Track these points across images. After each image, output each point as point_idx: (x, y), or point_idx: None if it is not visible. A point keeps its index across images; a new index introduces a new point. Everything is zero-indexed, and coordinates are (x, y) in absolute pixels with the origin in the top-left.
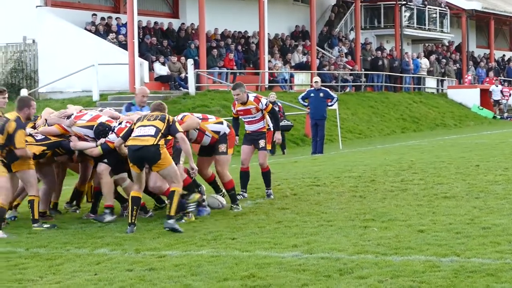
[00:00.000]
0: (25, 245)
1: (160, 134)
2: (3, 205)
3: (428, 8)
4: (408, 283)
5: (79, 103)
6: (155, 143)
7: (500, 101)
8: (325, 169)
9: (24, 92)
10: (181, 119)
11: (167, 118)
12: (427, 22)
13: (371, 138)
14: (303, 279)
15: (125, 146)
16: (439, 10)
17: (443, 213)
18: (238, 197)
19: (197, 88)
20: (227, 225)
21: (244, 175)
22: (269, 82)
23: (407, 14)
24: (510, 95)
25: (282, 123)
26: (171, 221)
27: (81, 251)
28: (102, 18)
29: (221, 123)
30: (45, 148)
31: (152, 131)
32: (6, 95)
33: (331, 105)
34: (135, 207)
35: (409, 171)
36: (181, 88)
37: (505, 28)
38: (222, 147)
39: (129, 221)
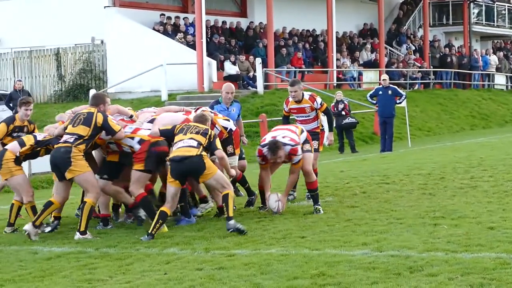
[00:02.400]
0: (95, 245)
1: (201, 147)
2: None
3: (496, 4)
4: (478, 280)
5: (147, 103)
6: (198, 153)
7: None
8: (394, 166)
9: (93, 93)
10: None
11: (209, 133)
12: (495, 19)
13: (440, 136)
14: (373, 277)
15: (167, 160)
16: (508, 6)
17: None
18: (290, 197)
19: (265, 87)
20: (296, 224)
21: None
22: (337, 81)
23: (476, 10)
24: None
25: (346, 120)
26: (232, 222)
27: (151, 250)
28: (170, 18)
29: (228, 120)
30: (35, 145)
31: (194, 143)
32: (31, 107)
33: (400, 103)
34: (160, 221)
35: (478, 168)
36: (249, 87)
37: None
38: (230, 149)
39: (150, 231)
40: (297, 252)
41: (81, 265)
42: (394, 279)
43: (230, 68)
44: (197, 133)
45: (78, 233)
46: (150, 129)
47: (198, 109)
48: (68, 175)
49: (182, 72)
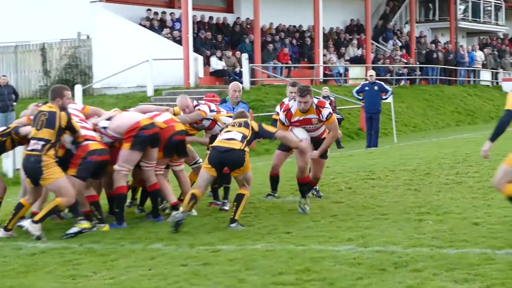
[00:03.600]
0: (79, 241)
1: (245, 141)
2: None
3: (483, 1)
4: (463, 275)
5: (133, 99)
6: (241, 148)
7: None
8: (379, 162)
9: (78, 88)
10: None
11: (251, 124)
12: (482, 15)
13: (426, 131)
14: (357, 273)
15: (210, 147)
16: (494, 2)
17: (498, 206)
18: (269, 197)
19: (252, 83)
20: (281, 219)
21: (276, 178)
22: (323, 76)
23: (462, 7)
24: None
25: None
26: (233, 225)
27: (135, 246)
28: (156, 13)
29: (231, 117)
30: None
31: (239, 136)
32: None
33: (386, 99)
34: (192, 201)
35: (464, 164)
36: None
37: None
38: None
39: (183, 210)
40: (282, 247)
41: (65, 260)
42: (379, 275)
43: (216, 64)
44: (239, 126)
45: (29, 221)
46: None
47: (167, 110)
48: (42, 183)
49: (168, 68)
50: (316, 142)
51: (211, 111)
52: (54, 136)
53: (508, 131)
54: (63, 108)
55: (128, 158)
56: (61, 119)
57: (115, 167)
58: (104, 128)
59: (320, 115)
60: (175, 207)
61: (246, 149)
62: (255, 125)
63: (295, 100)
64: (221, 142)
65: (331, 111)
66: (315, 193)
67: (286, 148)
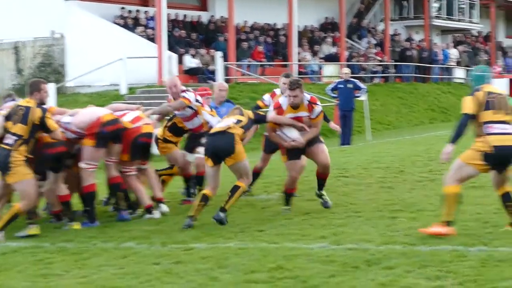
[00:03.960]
0: (51, 240)
1: (239, 126)
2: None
3: None
4: (435, 273)
5: (107, 97)
6: (231, 131)
7: None
8: (353, 160)
9: (52, 87)
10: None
11: (246, 112)
12: (456, 13)
13: (400, 129)
14: (330, 270)
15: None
16: (468, 0)
17: (471, 203)
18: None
19: (226, 81)
20: (254, 217)
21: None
22: (298, 74)
23: (436, 5)
24: None
25: None
26: (222, 214)
27: (108, 245)
28: (130, 12)
29: (214, 116)
30: None
31: (232, 121)
32: None
33: (359, 96)
34: (202, 203)
35: (437, 162)
36: (209, 80)
37: None
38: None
39: (191, 214)
40: (255, 245)
41: (37, 260)
42: (352, 272)
43: (190, 62)
44: (234, 114)
45: None
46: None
47: (138, 108)
48: (6, 179)
49: (142, 66)
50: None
51: (196, 100)
52: (27, 133)
53: None
54: (41, 103)
55: (93, 155)
56: (34, 115)
57: (81, 165)
58: (67, 123)
59: (312, 112)
60: (148, 210)
61: (237, 135)
62: (250, 113)
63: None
64: (214, 129)
65: (322, 109)
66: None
67: (271, 150)
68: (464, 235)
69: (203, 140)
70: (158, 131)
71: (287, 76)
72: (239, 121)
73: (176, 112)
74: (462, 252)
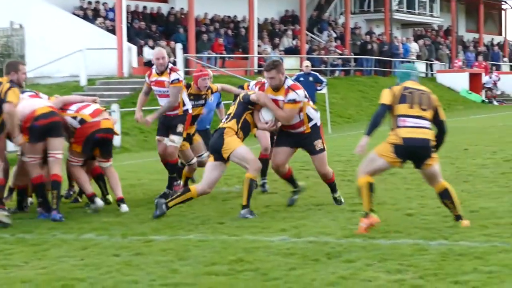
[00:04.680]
0: (11, 231)
1: (229, 118)
2: None
3: None
4: (395, 266)
5: (66, 88)
6: (223, 125)
7: (491, 87)
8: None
9: None
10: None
11: (238, 99)
12: (416, 7)
13: (360, 122)
14: (291, 263)
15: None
16: None
17: (431, 197)
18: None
19: (186, 73)
20: (215, 210)
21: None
22: (258, 67)
23: None
24: (498, 79)
25: None
26: (244, 211)
27: (68, 236)
28: (90, 3)
29: (192, 101)
30: None
31: (224, 118)
32: None
33: (320, 89)
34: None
35: None
36: None
37: (494, 12)
38: (180, 128)
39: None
40: (215, 238)
41: None
42: (312, 265)
43: (149, 54)
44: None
45: None
46: None
47: (94, 101)
48: None
49: (102, 57)
50: (296, 136)
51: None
52: None
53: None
54: (19, 84)
55: (32, 148)
56: (2, 89)
57: (24, 158)
58: None
59: (286, 96)
60: (90, 198)
61: (228, 128)
62: (240, 96)
63: None
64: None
65: (298, 99)
66: (261, 188)
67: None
68: (424, 229)
69: (179, 128)
70: (117, 127)
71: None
72: (228, 115)
73: (155, 88)
74: (422, 246)
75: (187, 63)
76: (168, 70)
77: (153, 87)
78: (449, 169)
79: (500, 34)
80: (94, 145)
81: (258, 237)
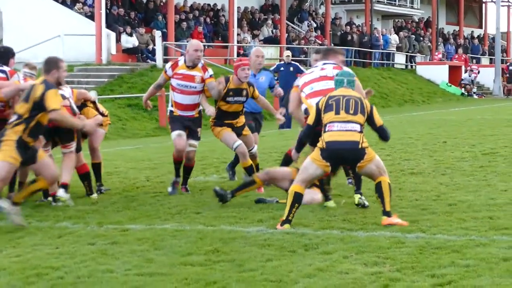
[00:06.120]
0: None
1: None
2: None
3: None
4: (373, 258)
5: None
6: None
7: (468, 83)
8: (292, 143)
9: None
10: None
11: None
12: None
13: None
14: (267, 254)
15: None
16: None
17: (409, 189)
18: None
19: (165, 61)
20: (192, 199)
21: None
22: (237, 56)
23: None
24: (478, 72)
25: None
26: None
27: (43, 224)
28: None
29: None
30: None
31: None
32: None
33: None
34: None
35: (376, 147)
36: (148, 60)
37: (475, 5)
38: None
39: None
40: (192, 228)
41: None
42: (289, 257)
43: (127, 41)
44: None
45: None
46: None
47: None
48: None
49: (80, 44)
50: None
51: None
52: (26, 111)
53: (420, 114)
54: (58, 83)
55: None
56: (36, 92)
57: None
58: None
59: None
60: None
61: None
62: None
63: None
64: None
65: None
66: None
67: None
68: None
69: (199, 133)
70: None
71: (317, 52)
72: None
73: (179, 82)
74: (399, 239)
75: (166, 50)
76: (200, 65)
77: (177, 81)
78: (427, 162)
79: (480, 27)
80: (50, 133)
81: (235, 227)
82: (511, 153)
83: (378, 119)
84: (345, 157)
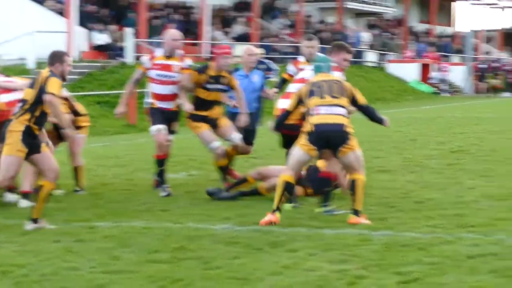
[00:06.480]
0: None
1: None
2: None
3: None
4: (339, 256)
5: (14, 71)
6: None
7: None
8: (262, 141)
9: None
10: None
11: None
12: None
13: None
14: (234, 252)
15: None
16: None
17: (378, 187)
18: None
19: (136, 58)
20: (159, 197)
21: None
22: (209, 54)
23: None
24: (448, 70)
25: None
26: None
27: (9, 221)
28: None
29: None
30: None
31: None
32: None
33: (270, 77)
34: None
35: None
36: (119, 57)
37: (446, 4)
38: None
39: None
40: (159, 225)
41: None
42: (255, 254)
43: (99, 39)
44: None
45: None
46: None
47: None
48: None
49: (51, 41)
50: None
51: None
52: (33, 97)
53: (391, 112)
54: (62, 77)
55: None
56: (42, 76)
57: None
58: None
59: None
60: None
61: None
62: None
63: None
64: None
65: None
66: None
67: None
68: (369, 219)
69: (176, 127)
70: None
71: (309, 39)
72: None
73: (158, 73)
74: (366, 236)
75: (137, 48)
76: (179, 55)
77: (156, 71)
78: (396, 160)
79: (451, 25)
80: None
81: (202, 225)
82: (480, 151)
83: (362, 98)
84: (331, 140)
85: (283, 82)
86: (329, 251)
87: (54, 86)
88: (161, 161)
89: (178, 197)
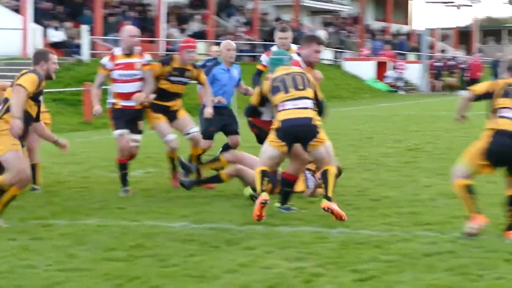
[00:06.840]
0: None
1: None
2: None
3: None
4: (295, 254)
5: None
6: None
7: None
8: (222, 139)
9: None
10: None
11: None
12: None
13: None
14: (190, 249)
15: None
16: None
17: (334, 185)
18: None
19: (92, 55)
20: (115, 194)
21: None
22: (166, 51)
23: None
24: (404, 69)
25: None
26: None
27: None
28: None
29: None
30: None
31: None
32: None
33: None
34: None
35: None
36: (75, 54)
37: (402, 2)
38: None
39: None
40: (115, 223)
41: None
42: (212, 252)
43: (53, 36)
44: None
45: None
46: None
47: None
48: None
49: (6, 38)
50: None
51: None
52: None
53: (347, 110)
54: (48, 76)
55: None
56: (21, 74)
57: None
58: None
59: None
60: None
61: None
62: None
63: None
64: None
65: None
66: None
67: None
68: (326, 217)
69: (141, 126)
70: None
71: (283, 30)
72: None
73: (121, 73)
74: (323, 234)
75: (93, 45)
76: (137, 51)
77: (119, 71)
78: (352, 157)
79: (407, 23)
80: None
81: (158, 222)
82: (436, 149)
83: (320, 94)
84: (299, 135)
85: (259, 74)
86: (285, 249)
87: (26, 79)
88: (123, 165)
89: (134, 195)
